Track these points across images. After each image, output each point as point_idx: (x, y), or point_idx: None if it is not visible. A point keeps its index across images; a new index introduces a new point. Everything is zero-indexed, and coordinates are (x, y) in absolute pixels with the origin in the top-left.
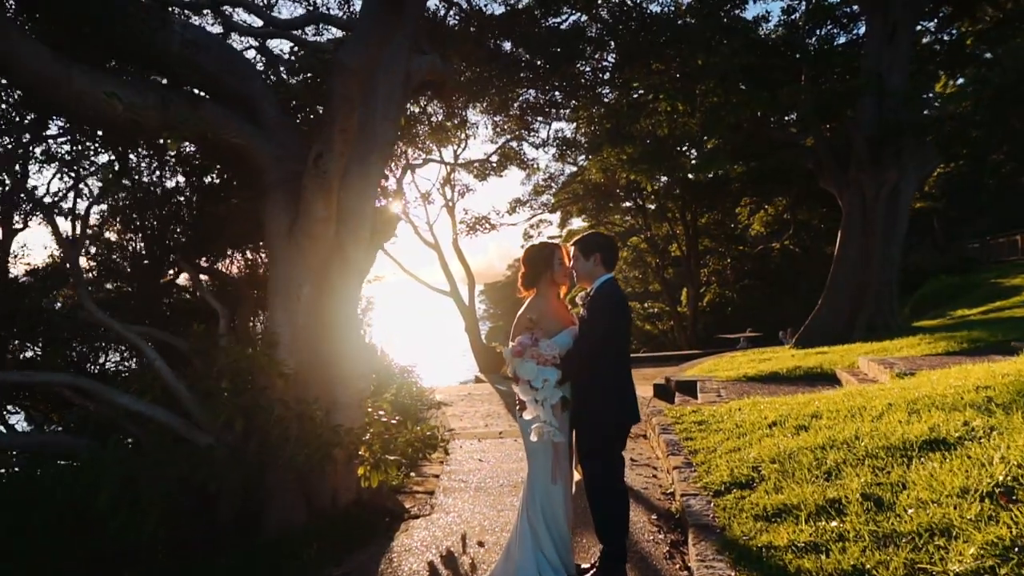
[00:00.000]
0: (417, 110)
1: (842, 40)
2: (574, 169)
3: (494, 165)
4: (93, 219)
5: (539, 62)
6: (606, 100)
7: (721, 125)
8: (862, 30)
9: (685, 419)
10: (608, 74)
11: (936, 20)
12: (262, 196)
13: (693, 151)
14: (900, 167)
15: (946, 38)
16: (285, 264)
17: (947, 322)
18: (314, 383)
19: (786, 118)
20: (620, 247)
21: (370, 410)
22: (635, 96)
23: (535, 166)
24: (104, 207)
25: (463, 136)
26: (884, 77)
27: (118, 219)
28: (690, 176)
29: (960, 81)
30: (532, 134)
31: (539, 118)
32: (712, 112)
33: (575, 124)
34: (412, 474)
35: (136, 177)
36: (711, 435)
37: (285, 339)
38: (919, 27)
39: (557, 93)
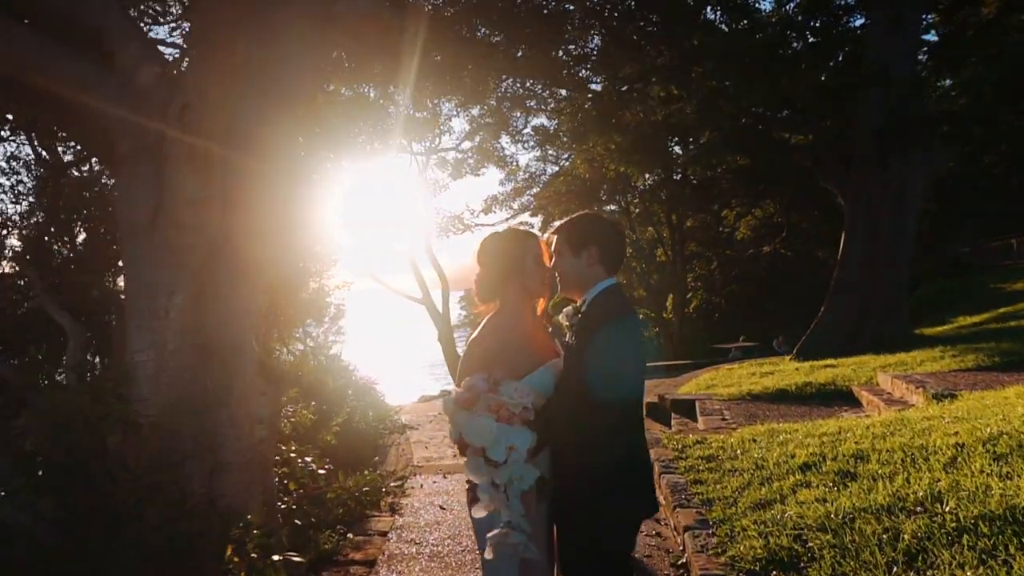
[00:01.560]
0: (380, 97)
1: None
2: (556, 168)
3: (471, 163)
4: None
5: (517, 50)
6: (592, 86)
7: (719, 115)
8: (858, 22)
9: (690, 453)
10: (593, 61)
11: (938, 10)
12: (117, 172)
13: (687, 147)
14: (908, 164)
15: (946, 31)
16: (147, 266)
17: (959, 331)
18: (189, 434)
19: (782, 114)
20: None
21: (293, 455)
22: (624, 88)
23: (515, 164)
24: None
25: (436, 131)
26: (889, 69)
27: (42, 216)
28: (676, 176)
29: (949, 83)
30: (510, 127)
31: (517, 112)
32: (710, 98)
33: (557, 121)
34: (350, 535)
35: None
36: (726, 478)
37: (147, 371)
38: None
39: (538, 84)
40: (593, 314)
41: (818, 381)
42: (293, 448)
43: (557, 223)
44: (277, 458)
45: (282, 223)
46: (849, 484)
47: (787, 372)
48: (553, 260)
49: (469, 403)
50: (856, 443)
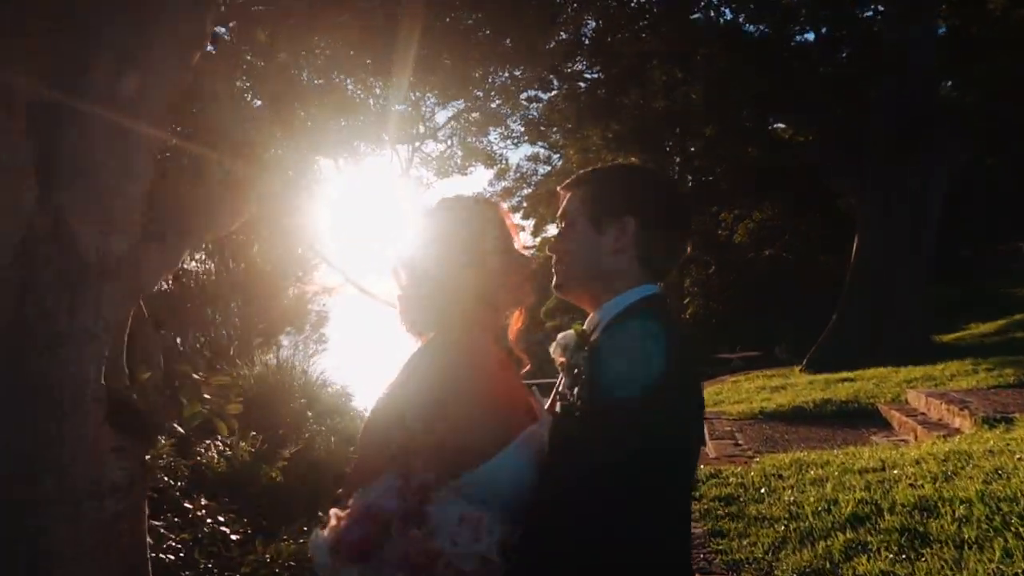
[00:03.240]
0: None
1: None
2: (549, 168)
3: (457, 162)
4: None
5: (505, 40)
6: (588, 75)
7: (726, 101)
8: (867, 14)
9: (704, 491)
10: (587, 48)
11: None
12: None
13: (686, 141)
14: (929, 159)
15: (957, 23)
16: None
17: (981, 340)
18: None
19: (790, 108)
20: None
21: (201, 514)
22: (622, 75)
23: (504, 163)
24: None
25: (420, 130)
26: (908, 58)
27: None
28: (674, 177)
29: (950, 83)
30: (501, 120)
31: (508, 109)
32: (717, 82)
33: (548, 116)
34: None
35: None
36: (754, 529)
37: None
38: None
39: (529, 74)
40: (616, 346)
41: (838, 398)
42: (204, 504)
43: (578, 174)
44: (176, 520)
45: (137, 203)
46: (922, 551)
47: (800, 386)
48: (558, 233)
49: (362, 549)
50: (913, 486)
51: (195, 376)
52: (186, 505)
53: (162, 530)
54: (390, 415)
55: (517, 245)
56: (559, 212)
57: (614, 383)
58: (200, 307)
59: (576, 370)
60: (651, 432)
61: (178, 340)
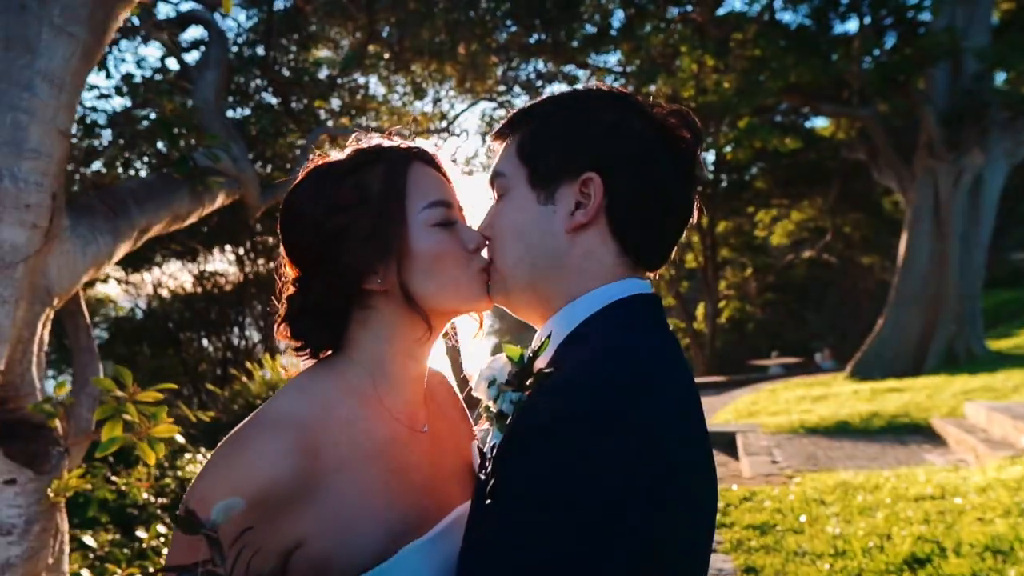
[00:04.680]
0: (382, 86)
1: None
2: None
3: (483, 161)
4: None
5: (535, 37)
6: (614, 70)
7: (762, 92)
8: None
9: (735, 517)
10: (613, 37)
11: None
12: None
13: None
14: (985, 151)
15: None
16: None
17: None
18: None
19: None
20: None
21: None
22: (647, 64)
23: None
24: None
25: (443, 125)
26: (960, 44)
27: None
28: (709, 175)
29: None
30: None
31: (528, 98)
32: (753, 70)
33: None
34: None
35: None
36: (793, 567)
37: None
38: None
39: (548, 63)
40: (554, 390)
41: (886, 411)
42: (161, 532)
43: (508, 117)
44: (125, 551)
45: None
46: None
47: (844, 397)
48: (489, 209)
49: None
50: (982, 521)
51: (118, 393)
52: (139, 534)
53: (106, 563)
54: (208, 501)
55: (464, 215)
56: (491, 174)
57: (556, 461)
58: (224, 309)
59: (508, 419)
60: (615, 551)
61: (204, 343)
